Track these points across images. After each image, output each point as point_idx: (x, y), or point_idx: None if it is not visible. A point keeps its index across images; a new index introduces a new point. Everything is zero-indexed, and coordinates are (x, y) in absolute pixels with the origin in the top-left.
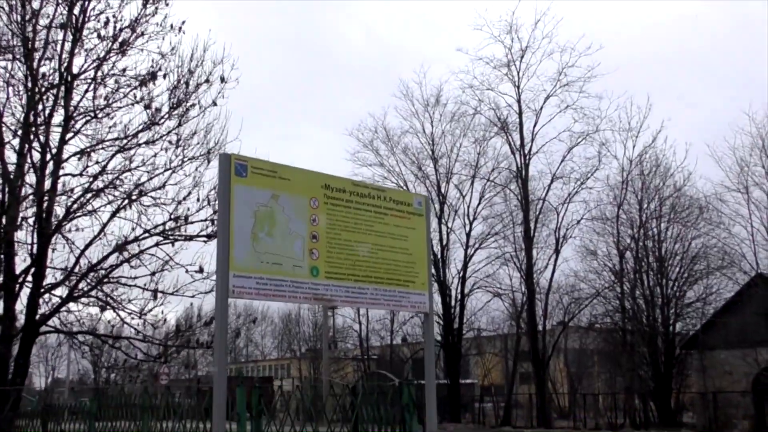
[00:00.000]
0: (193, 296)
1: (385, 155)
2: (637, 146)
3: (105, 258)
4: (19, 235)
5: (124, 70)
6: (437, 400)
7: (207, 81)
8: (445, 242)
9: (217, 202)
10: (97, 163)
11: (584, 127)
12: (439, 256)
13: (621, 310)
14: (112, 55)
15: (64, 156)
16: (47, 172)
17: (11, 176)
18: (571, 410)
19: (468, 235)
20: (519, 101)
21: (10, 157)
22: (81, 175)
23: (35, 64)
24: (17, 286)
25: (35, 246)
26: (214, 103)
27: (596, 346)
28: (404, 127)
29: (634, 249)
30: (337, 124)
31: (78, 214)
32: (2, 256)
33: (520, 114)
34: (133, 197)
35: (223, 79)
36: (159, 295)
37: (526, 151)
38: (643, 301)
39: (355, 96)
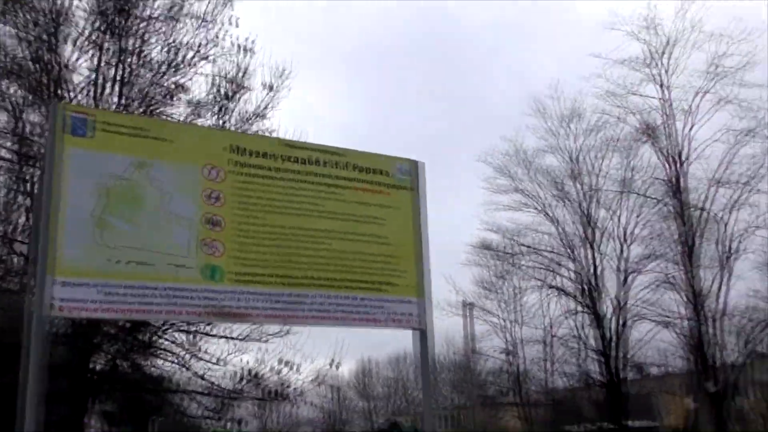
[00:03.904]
0: (265, 341)
1: (521, 179)
2: None
3: None
4: None
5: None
6: None
7: (243, 87)
8: (597, 269)
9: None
10: None
11: (748, 123)
12: (593, 284)
13: None
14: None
15: None
16: None
17: None
18: None
19: (623, 259)
20: (667, 103)
21: None
22: None
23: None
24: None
25: None
26: (263, 116)
27: None
28: (540, 147)
29: None
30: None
31: None
32: None
33: (669, 117)
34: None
35: (271, 88)
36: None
37: (681, 158)
38: None
39: (489, 123)
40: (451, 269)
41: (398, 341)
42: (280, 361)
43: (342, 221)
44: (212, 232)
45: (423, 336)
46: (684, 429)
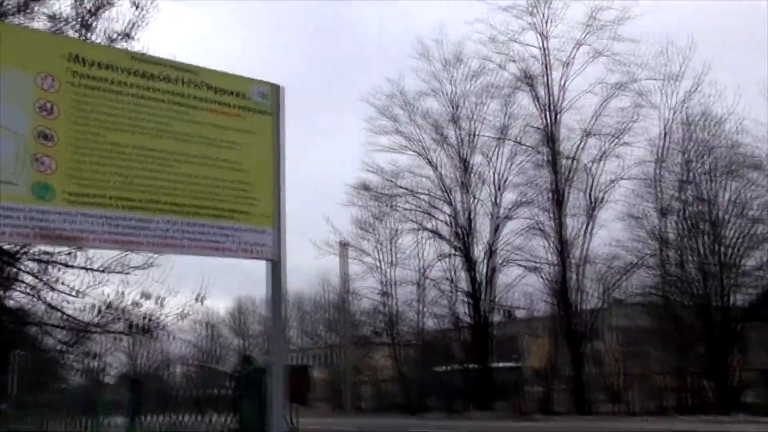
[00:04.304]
0: (127, 273)
1: (403, 121)
2: (680, 94)
3: None
4: None
5: None
6: (468, 386)
7: (108, 2)
8: (471, 214)
9: None
10: None
11: (620, 78)
12: (467, 229)
13: (666, 280)
14: None
15: None
16: None
17: None
18: (619, 393)
19: (496, 205)
20: (545, 52)
21: None
22: None
23: None
24: None
25: None
26: (131, 37)
27: (649, 323)
28: (422, 89)
29: (681, 211)
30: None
31: None
32: None
33: (547, 67)
34: None
35: (137, 5)
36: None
37: (556, 108)
38: (695, 270)
39: (373, 68)
40: (330, 209)
41: None
42: (142, 295)
43: (192, 143)
44: (44, 147)
45: (275, 267)
46: (544, 369)
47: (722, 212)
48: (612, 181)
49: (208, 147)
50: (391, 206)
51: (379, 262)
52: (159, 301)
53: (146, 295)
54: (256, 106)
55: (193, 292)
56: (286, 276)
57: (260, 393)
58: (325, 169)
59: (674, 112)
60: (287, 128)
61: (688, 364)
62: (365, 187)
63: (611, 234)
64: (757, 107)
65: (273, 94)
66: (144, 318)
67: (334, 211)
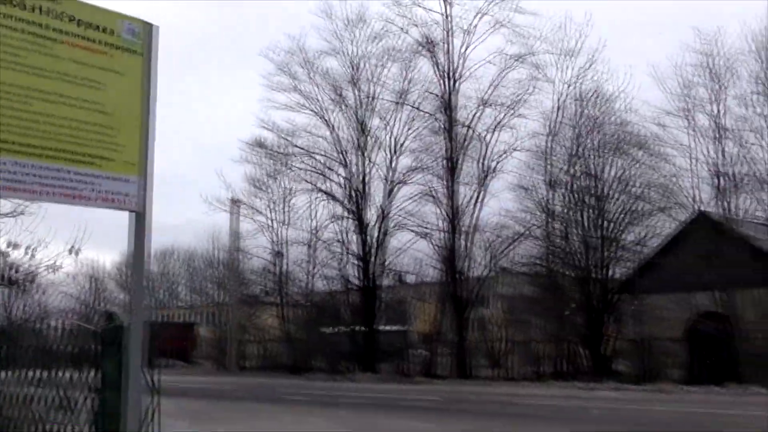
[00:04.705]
0: None
1: (302, 79)
2: (574, 69)
3: None
4: None
5: None
6: (354, 348)
7: None
8: (366, 177)
9: None
10: None
11: (519, 49)
12: (361, 192)
13: (551, 251)
14: None
15: None
16: None
17: None
18: (500, 359)
19: (391, 169)
20: (448, 19)
21: None
22: None
23: None
24: None
25: None
26: None
27: (532, 292)
28: (323, 48)
29: (569, 185)
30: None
31: None
32: None
33: (448, 33)
34: None
35: None
36: None
37: (455, 76)
38: (578, 242)
39: (274, 23)
40: (225, 165)
41: (164, 235)
42: (9, 244)
43: (49, 79)
44: None
45: (139, 219)
46: (430, 334)
47: (607, 188)
48: (505, 152)
49: (68, 85)
50: (286, 165)
51: (271, 221)
52: (29, 251)
53: (14, 245)
54: (124, 45)
55: (66, 243)
56: (151, 229)
57: (120, 351)
58: (223, 124)
59: (568, 87)
60: (162, 71)
61: (566, 333)
62: (260, 145)
63: (501, 204)
64: (645, 88)
65: (145, 32)
66: (11, 268)
67: (228, 167)
